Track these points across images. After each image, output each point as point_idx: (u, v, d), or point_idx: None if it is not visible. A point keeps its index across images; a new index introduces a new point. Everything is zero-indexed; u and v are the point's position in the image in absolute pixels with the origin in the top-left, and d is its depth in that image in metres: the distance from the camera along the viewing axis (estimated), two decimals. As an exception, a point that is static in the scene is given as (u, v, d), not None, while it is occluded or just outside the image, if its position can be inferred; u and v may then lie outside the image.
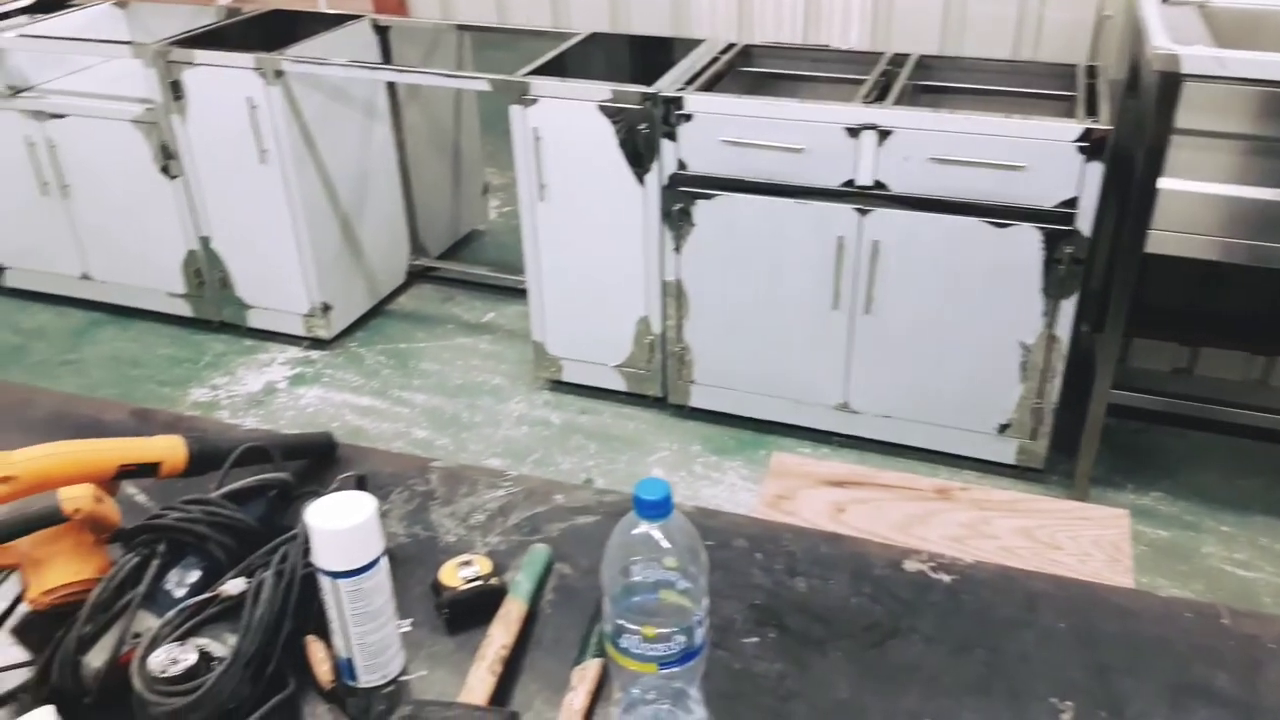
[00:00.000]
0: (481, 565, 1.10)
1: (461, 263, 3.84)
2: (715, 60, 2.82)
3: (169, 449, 1.16)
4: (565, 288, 2.92)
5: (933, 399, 2.64)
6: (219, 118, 3.03)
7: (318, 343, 3.41)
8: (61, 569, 1.04)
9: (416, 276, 3.80)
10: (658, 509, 0.88)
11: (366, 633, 0.96)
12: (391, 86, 3.43)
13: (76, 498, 1.03)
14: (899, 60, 2.73)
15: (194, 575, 1.05)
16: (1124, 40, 2.96)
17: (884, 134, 2.37)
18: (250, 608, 0.97)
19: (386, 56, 3.40)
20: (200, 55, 2.96)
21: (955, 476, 2.68)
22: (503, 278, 3.73)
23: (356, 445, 1.37)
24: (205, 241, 3.29)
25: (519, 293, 3.71)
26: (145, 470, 1.14)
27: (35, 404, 1.49)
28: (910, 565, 1.14)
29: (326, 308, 3.32)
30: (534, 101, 2.67)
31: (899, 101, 2.45)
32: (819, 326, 2.65)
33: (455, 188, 3.96)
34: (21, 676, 0.99)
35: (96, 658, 0.95)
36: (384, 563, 0.96)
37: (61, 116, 3.23)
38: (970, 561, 1.15)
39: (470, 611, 1.07)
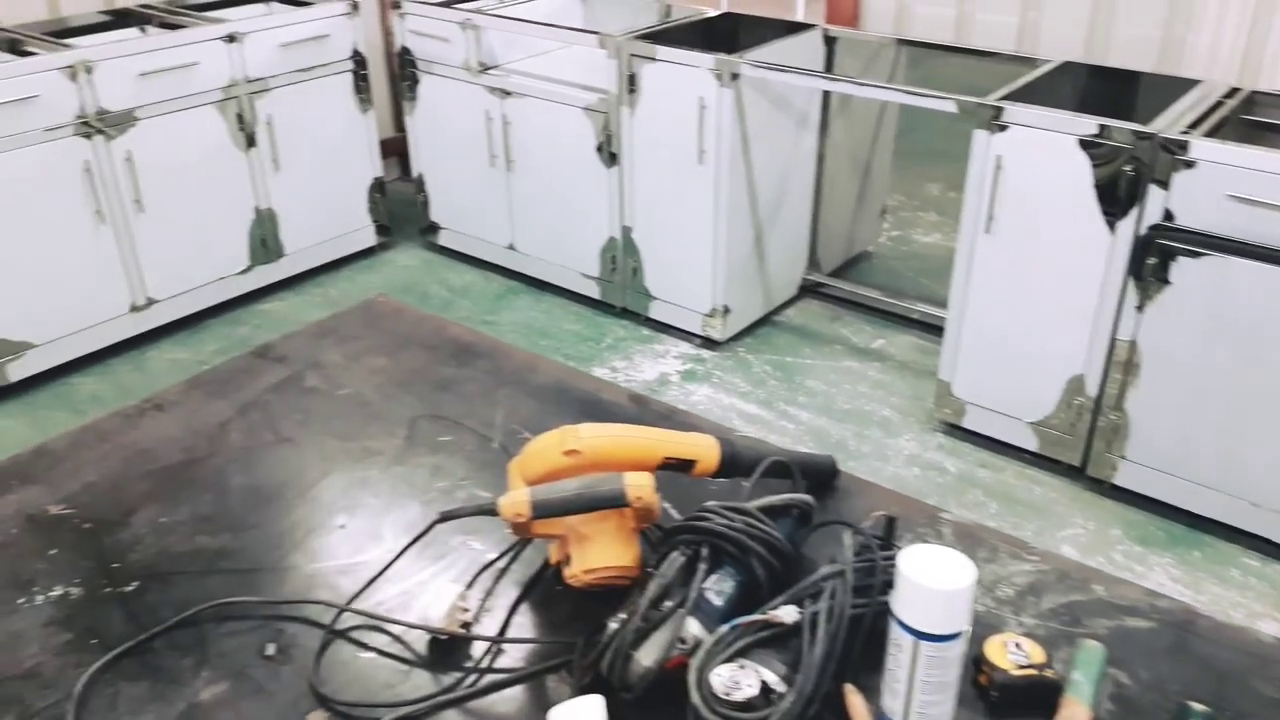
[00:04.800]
0: (1033, 652, 0.97)
1: (852, 283, 3.73)
2: (1219, 104, 2.49)
3: (706, 449, 1.13)
4: (990, 328, 2.71)
5: None
6: (667, 114, 3.12)
7: (709, 342, 3.44)
8: (605, 550, 1.04)
9: (807, 291, 3.74)
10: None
11: (931, 703, 0.86)
12: (826, 99, 3.37)
13: (640, 485, 1.01)
14: None
15: (729, 586, 1.00)
16: None
17: None
18: (808, 643, 0.91)
19: (828, 67, 3.35)
20: (662, 51, 3.05)
21: None
22: (895, 304, 3.57)
23: (858, 477, 1.29)
24: (627, 231, 3.41)
25: (910, 321, 3.56)
26: (682, 466, 1.12)
27: (539, 371, 1.54)
28: None
29: (726, 310, 3.33)
30: (1003, 128, 2.49)
31: None
32: (1302, 424, 2.26)
33: (858, 206, 3.85)
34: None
35: (648, 656, 0.92)
36: (967, 635, 0.86)
37: (520, 95, 3.47)
38: None
39: (1021, 701, 0.94)
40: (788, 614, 0.94)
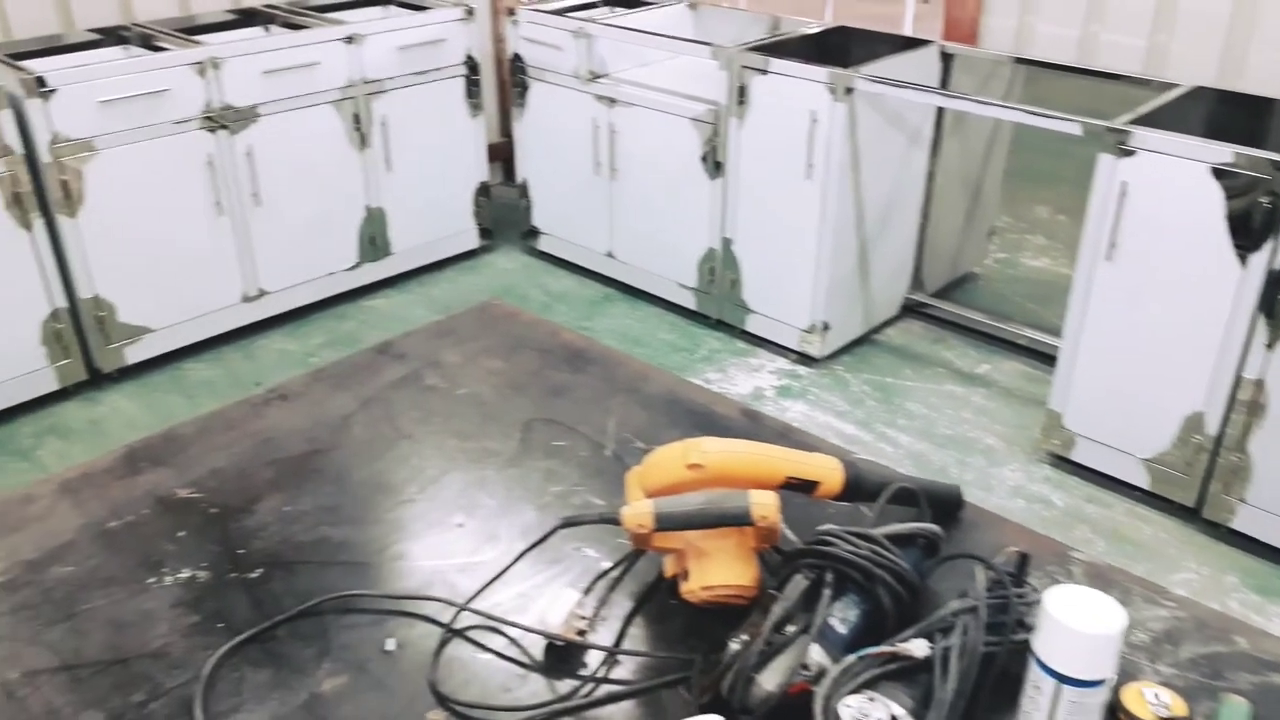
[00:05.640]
0: (1174, 704, 0.92)
1: (957, 304, 3.64)
2: (1367, 135, 2.37)
3: (829, 471, 1.10)
4: (1106, 360, 2.62)
5: None
6: (776, 127, 3.09)
7: (805, 358, 3.40)
8: (725, 568, 1.02)
9: (909, 311, 3.67)
10: None
11: (1069, 751, 0.83)
12: (939, 116, 3.31)
13: (765, 505, 0.99)
14: None
15: (853, 614, 0.98)
16: None
17: None
18: (940, 680, 0.88)
19: (943, 84, 3.29)
20: (775, 64, 3.03)
21: None
22: (1001, 328, 3.48)
23: (983, 509, 1.25)
24: (727, 242, 3.40)
25: (1017, 347, 3.46)
26: (804, 486, 1.10)
27: (651, 380, 1.53)
28: None
29: (825, 326, 3.28)
30: (1130, 153, 2.41)
31: None
32: None
33: (965, 226, 3.77)
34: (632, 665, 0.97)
35: (770, 680, 0.90)
36: (1111, 682, 0.82)
37: (627, 104, 3.49)
38: None
39: (1162, 755, 0.90)
40: (918, 647, 0.91)
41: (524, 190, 4.04)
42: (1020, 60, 3.31)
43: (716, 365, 3.40)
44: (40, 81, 2.81)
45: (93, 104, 2.91)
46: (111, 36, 3.39)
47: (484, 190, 4.02)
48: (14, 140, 2.82)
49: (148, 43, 3.32)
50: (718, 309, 3.55)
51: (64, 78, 2.86)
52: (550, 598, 1.08)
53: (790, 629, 0.94)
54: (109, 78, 2.94)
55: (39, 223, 2.92)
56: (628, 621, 1.06)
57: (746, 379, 3.32)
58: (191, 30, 3.47)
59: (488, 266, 4.09)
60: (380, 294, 3.80)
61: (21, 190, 2.86)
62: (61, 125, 2.87)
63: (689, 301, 3.63)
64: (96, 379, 3.20)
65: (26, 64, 2.95)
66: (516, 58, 3.80)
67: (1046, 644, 0.81)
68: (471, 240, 4.06)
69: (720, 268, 3.46)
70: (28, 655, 1.02)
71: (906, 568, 1.00)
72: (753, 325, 3.47)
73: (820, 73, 2.94)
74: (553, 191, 3.93)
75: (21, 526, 1.20)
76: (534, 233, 4.08)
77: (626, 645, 1.03)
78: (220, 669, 1.00)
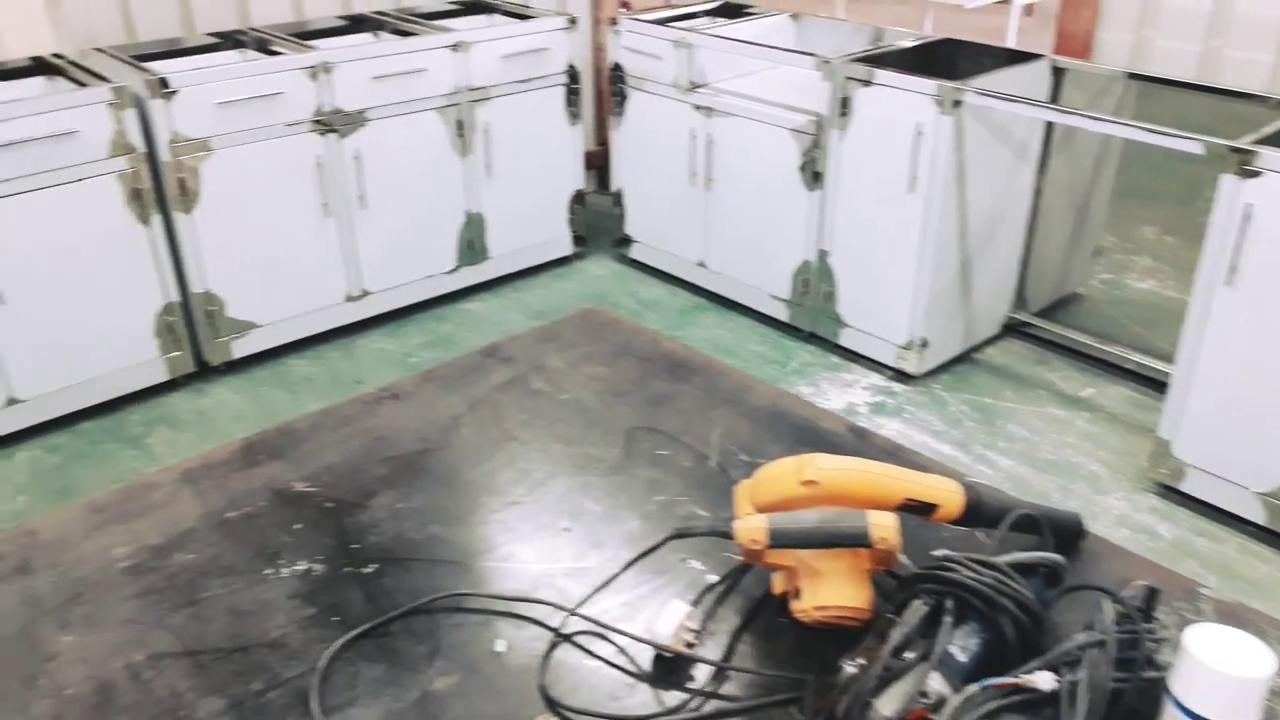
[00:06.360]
0: (1320, 754, 0.87)
1: (1061, 325, 3.53)
2: None
3: (949, 494, 1.07)
4: (1223, 388, 2.51)
5: None
6: (880, 139, 3.05)
7: (901, 375, 3.33)
8: (839, 589, 1.00)
9: (1010, 330, 3.58)
10: None
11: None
12: (1048, 132, 3.22)
13: (885, 527, 0.97)
14: None
15: (974, 642, 0.95)
16: None
17: None
18: (1067, 715, 0.85)
19: (1053, 99, 3.20)
20: (880, 75, 2.99)
21: None
22: (1108, 351, 3.36)
23: (1104, 539, 1.20)
24: (823, 254, 3.36)
25: (1123, 372, 3.34)
26: (922, 509, 1.07)
27: (754, 392, 1.52)
28: None
29: (924, 343, 3.22)
30: (1255, 174, 2.31)
31: None
32: None
33: (1071, 245, 3.66)
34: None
35: (888, 706, 0.88)
36: (1257, 729, 0.78)
37: (726, 114, 3.48)
38: None
39: (1307, 811, 0.85)
40: (1044, 680, 0.88)
41: (618, 198, 4.05)
42: (1133, 75, 3.20)
43: (809, 379, 3.36)
44: (163, 83, 2.92)
45: (211, 105, 3.02)
46: (229, 40, 3.52)
47: (579, 198, 4.04)
48: (137, 139, 2.94)
49: (263, 47, 3.43)
50: (811, 322, 3.51)
51: (185, 79, 2.97)
52: (657, 608, 1.08)
53: (909, 655, 0.92)
54: (227, 80, 3.04)
55: (156, 218, 3.04)
56: (736, 637, 1.05)
57: (839, 394, 3.27)
58: (304, 35, 3.58)
59: (579, 273, 4.11)
60: (476, 297, 3.86)
61: (142, 187, 2.97)
62: (181, 125, 2.99)
63: (781, 313, 3.60)
64: (204, 371, 3.31)
65: (150, 65, 3.08)
66: (616, 67, 3.82)
67: (1186, 685, 0.77)
68: (565, 247, 4.10)
69: (815, 280, 3.42)
70: (153, 639, 1.05)
71: (1030, 597, 0.97)
72: (847, 339, 3.43)
73: (928, 85, 2.88)
74: (647, 200, 3.94)
75: (145, 513, 1.24)
76: (626, 241, 4.09)
77: (735, 661, 1.02)
78: (335, 662, 1.01)
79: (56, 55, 3.20)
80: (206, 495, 1.27)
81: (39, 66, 3.16)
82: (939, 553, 1.07)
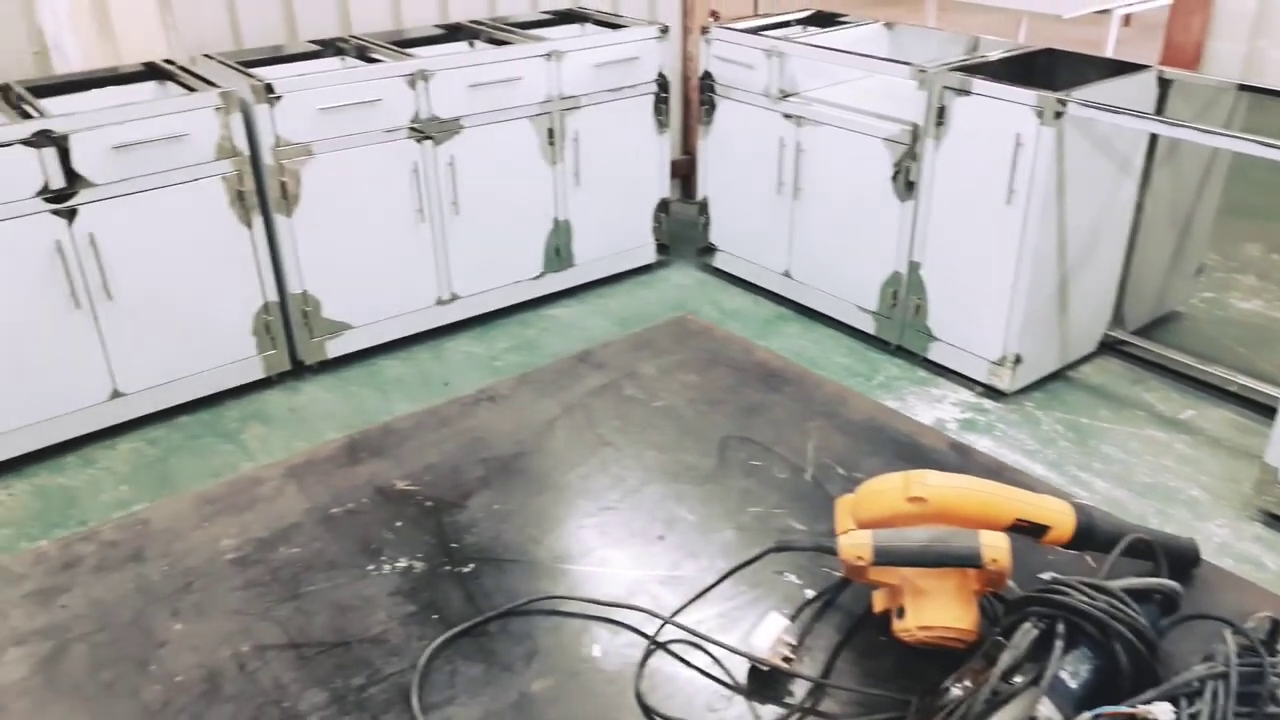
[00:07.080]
0: None
1: (1160, 344, 3.41)
2: None
3: (1061, 516, 1.04)
4: (1337, 415, 2.40)
5: None
6: (977, 149, 2.99)
7: (992, 392, 3.26)
8: (945, 610, 0.98)
9: (1108, 348, 3.47)
10: None
11: None
12: (1152, 145, 3.12)
13: (996, 548, 0.95)
14: None
15: (1085, 669, 0.91)
16: None
17: None
18: (1188, 751, 0.81)
19: (1158, 111, 3.10)
20: (978, 84, 2.93)
21: None
22: (1210, 372, 3.24)
23: (1220, 568, 1.16)
24: (914, 266, 3.30)
25: (1226, 394, 3.22)
26: (1033, 530, 1.04)
27: (849, 405, 1.50)
28: None
29: (1017, 359, 3.14)
30: (1381, 190, 2.20)
31: None
32: None
33: (1172, 262, 3.54)
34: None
35: (994, 732, 0.85)
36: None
37: (816, 123, 3.45)
38: None
39: None
40: (1162, 712, 0.85)
41: (703, 207, 4.05)
42: (1244, 87, 3.08)
43: (895, 393, 3.30)
44: (269, 88, 3.01)
45: (312, 110, 3.10)
46: (330, 48, 3.61)
47: (664, 206, 4.05)
48: (242, 142, 3.04)
49: (363, 54, 3.51)
50: (898, 334, 3.46)
51: (289, 85, 3.06)
52: (753, 620, 1.07)
53: (1018, 679, 0.89)
54: (328, 86, 3.13)
55: (258, 220, 3.13)
56: (835, 654, 1.03)
57: (927, 409, 3.21)
58: (403, 43, 3.65)
59: (663, 281, 4.12)
60: (560, 303, 3.89)
61: (245, 189, 3.07)
62: (284, 130, 3.08)
63: (867, 325, 3.55)
64: (298, 370, 3.40)
65: (255, 71, 3.18)
66: (706, 75, 3.82)
67: (1325, 726, 0.73)
68: (649, 255, 4.11)
69: (904, 292, 3.37)
70: (258, 630, 1.08)
71: (1145, 624, 0.93)
72: (936, 354, 3.36)
73: (1028, 95, 2.82)
74: (732, 209, 3.92)
75: (251, 506, 1.28)
76: (710, 249, 4.08)
77: (834, 678, 1.01)
78: (434, 660, 1.02)
79: (168, 61, 3.33)
80: (311, 491, 1.30)
81: (151, 72, 3.29)
82: (1047, 575, 1.04)
